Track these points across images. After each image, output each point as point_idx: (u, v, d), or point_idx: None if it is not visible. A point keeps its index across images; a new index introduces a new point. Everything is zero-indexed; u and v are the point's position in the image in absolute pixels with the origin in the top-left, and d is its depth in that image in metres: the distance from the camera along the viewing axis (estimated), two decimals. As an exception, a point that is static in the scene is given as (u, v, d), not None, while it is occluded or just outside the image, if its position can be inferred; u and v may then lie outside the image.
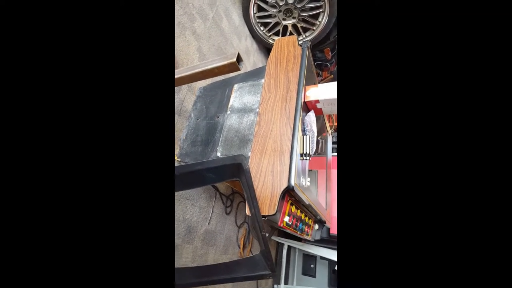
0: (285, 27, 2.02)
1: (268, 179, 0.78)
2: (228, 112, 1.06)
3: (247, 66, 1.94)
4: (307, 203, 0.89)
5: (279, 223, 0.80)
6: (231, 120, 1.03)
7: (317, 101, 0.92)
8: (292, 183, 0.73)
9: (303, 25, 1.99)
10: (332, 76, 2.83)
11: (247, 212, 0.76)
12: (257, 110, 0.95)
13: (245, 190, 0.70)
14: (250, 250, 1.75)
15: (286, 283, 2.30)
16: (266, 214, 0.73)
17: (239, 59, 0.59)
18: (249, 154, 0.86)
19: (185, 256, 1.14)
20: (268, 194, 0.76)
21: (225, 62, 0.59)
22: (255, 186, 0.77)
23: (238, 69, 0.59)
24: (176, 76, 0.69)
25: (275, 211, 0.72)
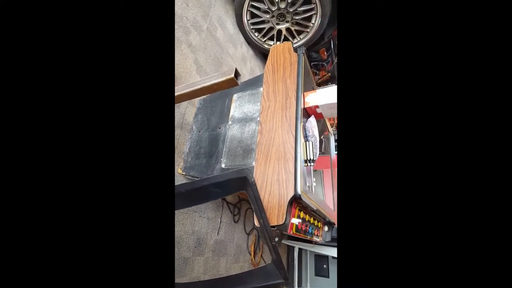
0: (279, 31, 2.04)
1: (274, 188, 0.79)
2: (230, 122, 1.06)
3: (244, 73, 1.95)
4: (315, 208, 0.89)
5: (288, 231, 0.80)
6: (233, 131, 1.03)
7: (317, 106, 0.92)
8: (299, 191, 0.73)
9: (297, 28, 2.00)
10: (330, 74, 2.84)
11: (256, 223, 0.76)
12: (258, 119, 0.96)
13: (252, 202, 0.70)
14: (261, 256, 1.74)
15: (299, 285, 2.29)
16: (275, 224, 0.73)
17: (237, 74, 0.60)
18: (253, 163, 0.87)
19: (197, 268, 1.14)
20: (276, 204, 0.76)
21: (224, 79, 0.60)
22: (261, 196, 0.78)
23: (237, 84, 0.60)
24: (175, 94, 0.70)
25: (284, 221, 0.72)
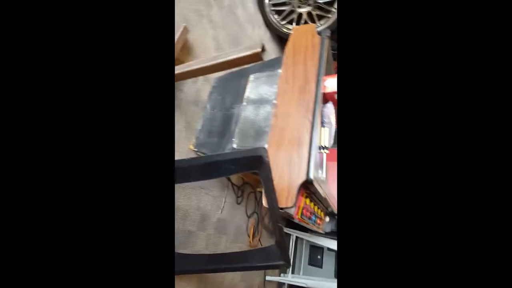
0: (300, 14, 1.96)
1: (285, 171, 0.78)
2: (244, 103, 1.05)
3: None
4: (323, 196, 0.89)
5: (294, 216, 0.80)
6: (247, 112, 1.02)
7: (335, 93, 0.90)
8: (311, 176, 0.73)
9: (318, 12, 1.92)
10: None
11: (264, 203, 0.76)
12: (274, 101, 0.94)
13: (264, 183, 0.70)
14: (259, 239, 1.78)
15: (292, 272, 2.35)
16: (284, 206, 0.73)
17: (263, 49, 0.58)
18: (266, 146, 0.86)
19: (199, 243, 1.17)
20: (285, 187, 0.76)
21: (250, 52, 0.58)
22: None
23: (261, 59, 0.58)
24: (197, 67, 0.69)
25: (293, 204, 0.72)
